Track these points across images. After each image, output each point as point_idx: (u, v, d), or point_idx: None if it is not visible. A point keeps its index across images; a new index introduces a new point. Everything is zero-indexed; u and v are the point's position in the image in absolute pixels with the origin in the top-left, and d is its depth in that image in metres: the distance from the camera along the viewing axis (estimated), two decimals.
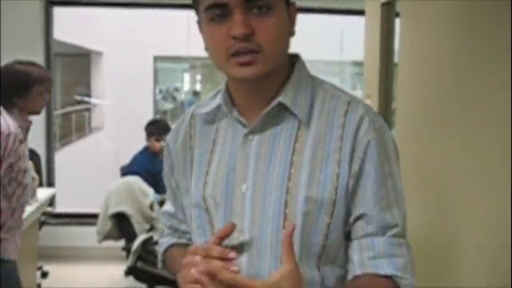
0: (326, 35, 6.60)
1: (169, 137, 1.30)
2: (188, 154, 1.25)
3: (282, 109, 1.14)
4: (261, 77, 1.09)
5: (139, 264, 3.88)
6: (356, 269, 1.10)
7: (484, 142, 1.71)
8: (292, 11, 1.15)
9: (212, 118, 1.22)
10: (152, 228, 4.02)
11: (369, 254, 1.10)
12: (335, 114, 1.13)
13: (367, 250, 1.11)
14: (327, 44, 6.51)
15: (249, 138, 1.15)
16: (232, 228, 1.06)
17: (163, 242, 1.36)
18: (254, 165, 1.14)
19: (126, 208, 4.00)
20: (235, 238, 1.13)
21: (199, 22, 1.15)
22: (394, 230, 1.11)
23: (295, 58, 1.20)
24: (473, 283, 1.73)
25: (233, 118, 1.18)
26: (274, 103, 1.12)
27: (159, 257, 1.36)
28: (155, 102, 8.79)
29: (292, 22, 1.15)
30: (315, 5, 4.21)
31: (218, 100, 1.19)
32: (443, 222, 1.99)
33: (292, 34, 1.15)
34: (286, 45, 1.14)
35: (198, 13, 1.15)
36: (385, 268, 1.09)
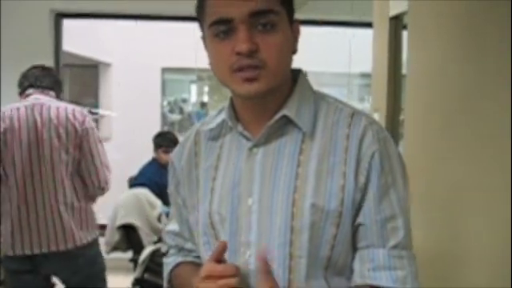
0: (335, 47, 6.61)
1: (173, 154, 1.31)
2: (193, 171, 1.26)
3: (286, 122, 1.15)
4: (264, 93, 1.10)
5: (146, 275, 3.89)
6: (356, 278, 1.12)
7: (492, 153, 1.71)
8: (295, 29, 1.17)
9: (216, 134, 1.23)
10: (160, 240, 4.02)
11: (369, 266, 1.12)
12: (339, 127, 1.14)
13: (367, 262, 1.12)
14: (335, 56, 6.51)
15: (253, 152, 1.16)
16: (224, 248, 1.08)
17: (169, 262, 1.36)
18: (259, 178, 1.15)
19: (133, 220, 4.02)
20: (242, 252, 1.14)
21: (204, 38, 1.17)
22: (396, 241, 1.12)
23: (298, 72, 1.21)
24: None
25: (237, 133, 1.19)
26: (278, 116, 1.13)
27: (165, 277, 1.36)
28: (163, 114, 8.81)
29: (295, 40, 1.17)
30: (323, 17, 4.24)
31: (223, 116, 1.21)
32: (450, 234, 1.99)
33: (295, 51, 1.17)
34: (289, 61, 1.16)
35: (202, 29, 1.16)
36: (383, 280, 1.10)
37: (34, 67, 2.86)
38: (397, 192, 1.12)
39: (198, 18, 1.16)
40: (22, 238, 2.60)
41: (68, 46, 5.09)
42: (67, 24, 4.78)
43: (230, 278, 1.05)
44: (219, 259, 1.08)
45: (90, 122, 2.73)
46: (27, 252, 2.61)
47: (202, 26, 1.16)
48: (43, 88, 2.76)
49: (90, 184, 2.73)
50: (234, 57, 1.07)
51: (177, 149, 1.31)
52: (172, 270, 1.34)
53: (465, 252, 1.87)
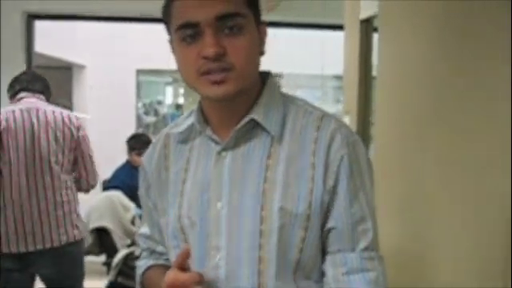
0: (310, 49, 6.64)
1: (144, 157, 1.31)
2: (163, 174, 1.26)
3: (255, 125, 1.15)
4: (232, 95, 1.10)
5: (120, 279, 3.87)
6: (331, 283, 1.12)
7: (462, 155, 1.73)
8: (262, 31, 1.17)
9: (186, 137, 1.23)
10: (133, 243, 4.01)
11: (342, 270, 1.12)
12: (308, 130, 1.15)
13: (340, 266, 1.13)
14: (311, 58, 6.55)
15: (222, 155, 1.17)
16: (187, 254, 1.09)
17: (140, 265, 1.36)
18: (228, 182, 1.15)
19: (107, 223, 4.00)
20: (212, 256, 1.14)
21: (171, 42, 1.17)
22: (367, 243, 1.13)
23: (267, 75, 1.21)
24: None
25: (206, 137, 1.19)
26: (246, 120, 1.14)
27: (137, 279, 1.36)
28: (138, 116, 8.76)
29: (262, 42, 1.18)
30: (296, 19, 4.25)
31: (192, 119, 1.21)
32: (421, 235, 2.01)
33: (262, 53, 1.17)
34: (257, 64, 1.16)
35: (169, 32, 1.16)
36: (357, 283, 1.11)
37: (25, 72, 3.08)
38: (366, 195, 1.14)
39: (164, 21, 1.16)
40: (17, 237, 2.70)
41: (41, 47, 5.03)
42: (40, 25, 4.72)
43: (193, 286, 1.06)
44: (183, 266, 1.09)
45: (83, 127, 2.95)
46: (22, 250, 2.71)
47: (168, 30, 1.16)
48: (34, 92, 2.88)
49: (83, 184, 2.96)
50: (201, 60, 1.07)
51: (147, 151, 1.31)
52: (143, 273, 1.33)
53: (436, 253, 1.90)
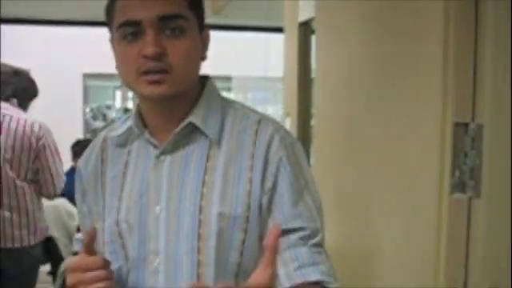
0: (259, 52, 6.66)
1: (80, 162, 1.29)
2: (99, 178, 1.24)
3: (193, 129, 1.15)
4: (169, 96, 1.10)
5: None
6: (284, 282, 1.11)
7: (399, 154, 1.76)
8: (205, 35, 1.18)
9: (124, 141, 1.22)
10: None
11: (294, 265, 1.12)
12: (246, 133, 1.15)
13: (291, 262, 1.13)
14: (254, 60, 6.58)
15: (160, 159, 1.16)
16: (93, 236, 1.09)
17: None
18: (166, 186, 1.15)
19: (52, 232, 3.90)
20: (151, 260, 1.14)
21: (112, 41, 1.16)
22: (315, 240, 1.14)
23: (205, 79, 1.21)
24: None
25: (144, 140, 1.18)
26: (185, 123, 1.14)
27: (59, 275, 1.35)
28: (85, 121, 8.62)
29: (204, 47, 1.18)
30: (239, 22, 4.26)
31: (130, 122, 1.20)
32: (362, 234, 2.04)
33: (204, 57, 1.17)
34: (197, 68, 1.17)
35: (111, 31, 1.15)
36: (311, 275, 1.11)
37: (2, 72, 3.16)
38: (311, 193, 1.15)
39: (106, 20, 1.15)
40: None
41: None
42: None
43: (98, 270, 1.05)
44: (90, 250, 1.07)
45: (47, 137, 2.97)
46: None
47: (110, 29, 1.15)
48: (6, 97, 2.97)
49: (44, 191, 3.02)
50: (141, 59, 1.07)
51: (84, 156, 1.29)
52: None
53: (375, 253, 1.92)
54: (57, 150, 3.07)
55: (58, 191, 3.12)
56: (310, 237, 1.13)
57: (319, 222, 1.15)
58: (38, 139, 2.91)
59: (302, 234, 1.12)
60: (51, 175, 3.00)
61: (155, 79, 1.07)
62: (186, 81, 1.12)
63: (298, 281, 1.10)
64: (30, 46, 7.37)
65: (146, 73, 1.08)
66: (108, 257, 1.20)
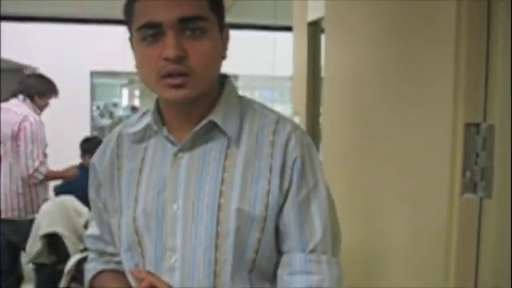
0: (267, 51, 6.65)
1: (95, 157, 1.30)
2: (115, 174, 1.25)
3: (212, 127, 1.15)
4: (191, 99, 1.10)
5: (73, 285, 3.79)
6: (278, 283, 1.14)
7: (409, 153, 1.76)
8: (225, 34, 1.17)
9: (141, 137, 1.23)
10: (86, 248, 3.94)
11: (287, 270, 1.13)
12: (264, 133, 1.16)
13: (286, 266, 1.14)
14: (268, 59, 6.57)
15: (178, 157, 1.16)
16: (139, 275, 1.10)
17: (89, 268, 1.35)
18: (184, 183, 1.15)
19: (58, 228, 3.90)
20: (168, 258, 1.14)
21: (131, 40, 1.15)
22: (313, 245, 1.14)
23: (224, 78, 1.21)
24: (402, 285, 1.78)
25: (162, 137, 1.19)
26: (205, 121, 1.14)
27: (86, 284, 1.34)
28: (92, 118, 8.64)
29: (225, 46, 1.17)
30: (247, 21, 4.26)
31: (147, 119, 1.20)
32: (372, 234, 2.03)
33: (224, 57, 1.17)
34: (218, 68, 1.17)
35: (130, 31, 1.15)
36: (298, 284, 1.12)
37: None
38: (318, 196, 1.15)
39: (125, 19, 1.15)
40: None
41: None
42: None
43: None
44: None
45: (27, 125, 3.68)
46: None
47: (129, 28, 1.15)
48: (16, 94, 3.81)
49: (22, 172, 3.74)
50: (162, 62, 1.06)
51: (98, 151, 1.29)
52: (93, 278, 1.31)
53: (385, 253, 1.92)
54: (34, 138, 3.73)
55: (30, 173, 3.75)
56: (308, 242, 1.13)
57: (320, 226, 1.14)
58: (18, 124, 3.65)
59: (299, 238, 1.13)
60: (25, 159, 3.69)
61: (176, 83, 1.07)
62: (206, 82, 1.12)
63: (286, 286, 1.12)
64: (39, 44, 7.39)
65: (167, 76, 1.07)
66: (123, 254, 1.21)
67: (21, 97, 3.71)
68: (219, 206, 1.11)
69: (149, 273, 1.10)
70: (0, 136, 3.73)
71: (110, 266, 1.32)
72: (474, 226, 1.46)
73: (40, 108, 3.96)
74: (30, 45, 7.31)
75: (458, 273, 1.48)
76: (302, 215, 1.13)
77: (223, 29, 1.16)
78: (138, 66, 1.14)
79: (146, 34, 1.08)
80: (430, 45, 1.62)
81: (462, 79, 1.46)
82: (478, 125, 1.44)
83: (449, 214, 1.50)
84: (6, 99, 3.76)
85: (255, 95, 8.39)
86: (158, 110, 1.19)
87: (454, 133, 1.48)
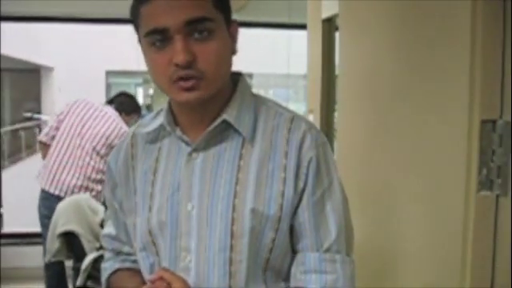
0: (281, 49, 6.65)
1: (110, 157, 1.30)
2: (130, 174, 1.25)
3: (226, 126, 1.15)
4: (203, 101, 1.10)
5: (89, 283, 3.81)
6: (291, 281, 1.14)
7: (423, 152, 1.75)
8: (233, 30, 1.16)
9: (154, 138, 1.23)
10: (102, 246, 3.96)
11: (301, 269, 1.13)
12: (279, 132, 1.15)
13: (300, 265, 1.14)
14: (281, 58, 6.58)
15: (193, 156, 1.16)
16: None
17: (106, 267, 1.35)
18: (198, 183, 1.15)
19: (74, 227, 3.93)
20: (183, 258, 1.14)
21: (139, 42, 1.15)
22: (328, 244, 1.13)
23: (238, 75, 1.21)
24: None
25: (176, 137, 1.18)
26: (219, 121, 1.13)
27: (103, 283, 1.35)
28: None
29: (234, 41, 1.17)
30: (261, 19, 4.25)
31: (161, 119, 1.20)
32: (385, 233, 2.03)
33: (234, 52, 1.16)
34: (229, 66, 1.16)
35: (138, 35, 1.15)
36: (312, 283, 1.11)
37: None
38: (332, 196, 1.14)
39: (133, 23, 1.15)
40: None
41: (7, 49, 4.96)
42: (6, 27, 4.65)
43: None
44: None
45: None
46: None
47: (137, 32, 1.15)
48: (110, 103, 4.10)
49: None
50: (172, 67, 1.06)
51: (113, 152, 1.30)
52: (109, 277, 1.32)
53: (400, 251, 1.91)
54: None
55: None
56: (322, 242, 1.12)
57: (334, 226, 1.13)
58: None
59: (314, 238, 1.12)
60: None
61: (188, 86, 1.07)
62: (219, 82, 1.12)
63: (300, 285, 1.12)
64: (55, 44, 7.45)
65: (179, 80, 1.07)
66: (139, 253, 1.21)
67: (113, 106, 3.97)
68: (234, 206, 1.11)
69: (164, 269, 1.10)
70: (86, 129, 3.89)
71: (127, 265, 1.32)
72: (490, 224, 1.44)
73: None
74: (46, 45, 7.37)
75: (475, 271, 1.47)
76: (316, 215, 1.13)
77: (230, 24, 1.15)
78: (150, 72, 1.14)
79: (154, 40, 1.08)
80: (444, 41, 1.61)
81: (477, 76, 1.45)
82: (494, 121, 1.43)
83: (465, 211, 1.49)
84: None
85: (269, 93, 8.40)
86: (171, 111, 1.19)
87: (469, 130, 1.47)
